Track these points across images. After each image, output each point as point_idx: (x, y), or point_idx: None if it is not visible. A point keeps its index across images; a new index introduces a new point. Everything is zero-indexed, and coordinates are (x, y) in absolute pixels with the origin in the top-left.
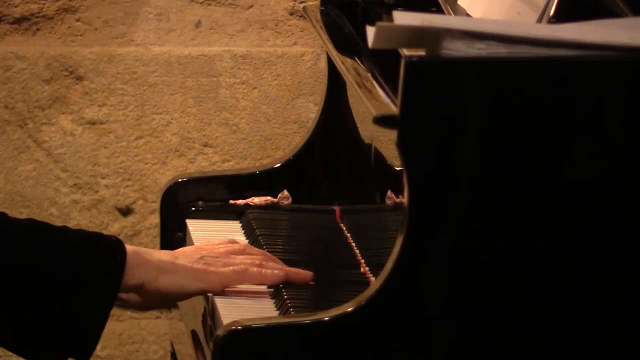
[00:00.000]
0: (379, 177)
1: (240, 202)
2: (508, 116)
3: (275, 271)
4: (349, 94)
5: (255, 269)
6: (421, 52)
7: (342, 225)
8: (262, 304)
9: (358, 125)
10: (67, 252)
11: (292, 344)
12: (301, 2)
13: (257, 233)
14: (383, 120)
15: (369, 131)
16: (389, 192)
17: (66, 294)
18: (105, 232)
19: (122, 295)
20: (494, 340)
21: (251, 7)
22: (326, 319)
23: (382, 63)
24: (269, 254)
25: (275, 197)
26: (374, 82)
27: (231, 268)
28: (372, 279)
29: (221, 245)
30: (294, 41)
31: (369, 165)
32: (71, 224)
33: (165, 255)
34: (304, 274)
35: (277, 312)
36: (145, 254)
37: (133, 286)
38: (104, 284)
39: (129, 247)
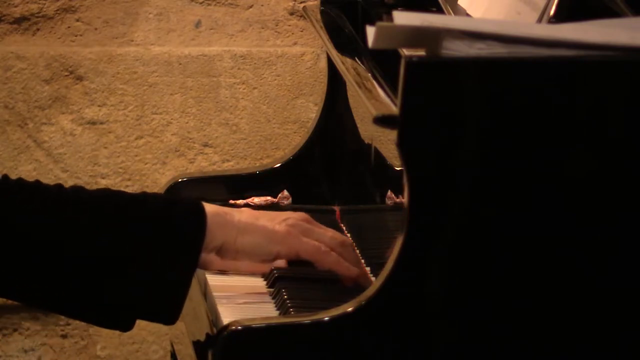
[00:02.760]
0: (379, 177)
1: (240, 202)
2: (508, 116)
3: (352, 267)
4: (349, 94)
5: (335, 254)
6: (421, 52)
7: (342, 225)
8: (262, 304)
9: (358, 125)
10: (148, 220)
11: (292, 344)
12: (301, 2)
13: None
14: (383, 120)
15: (369, 131)
16: (389, 192)
17: (149, 259)
18: None
19: (204, 256)
20: (494, 340)
21: (251, 7)
22: (326, 319)
23: (382, 63)
24: (340, 236)
25: (275, 197)
26: (374, 82)
27: (314, 243)
28: (372, 279)
29: (299, 214)
30: (294, 41)
31: (369, 165)
32: None
33: (246, 215)
34: (368, 281)
35: (277, 312)
36: (226, 214)
37: (214, 247)
38: (186, 247)
39: (209, 208)
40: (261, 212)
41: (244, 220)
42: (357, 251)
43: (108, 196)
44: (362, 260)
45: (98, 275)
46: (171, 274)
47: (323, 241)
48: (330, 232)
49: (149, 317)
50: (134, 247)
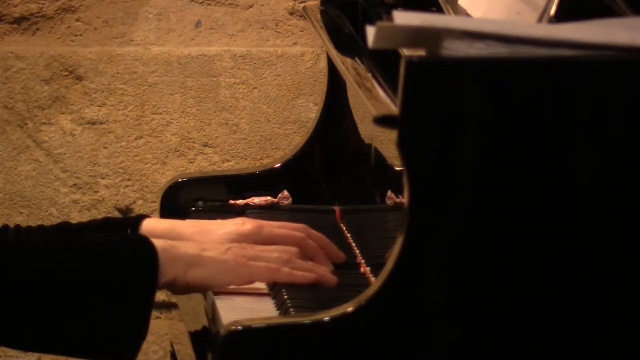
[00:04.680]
0: (379, 177)
1: (240, 202)
2: (508, 116)
3: (307, 274)
4: (349, 94)
5: (286, 269)
6: (421, 52)
7: (342, 225)
8: (262, 304)
9: (358, 125)
10: (103, 264)
11: (292, 344)
12: (301, 2)
13: None
14: (383, 120)
15: (369, 131)
16: (389, 192)
17: (106, 303)
18: None
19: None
20: (494, 340)
21: (251, 7)
22: (326, 319)
23: (382, 63)
24: (328, 242)
25: (275, 197)
26: (374, 82)
27: (263, 264)
28: (372, 279)
29: (248, 226)
30: (294, 41)
31: (369, 165)
32: None
33: (192, 248)
34: (330, 279)
35: (277, 312)
36: (173, 248)
37: (165, 283)
38: (142, 288)
39: (157, 243)
40: (205, 240)
41: (190, 253)
42: (357, 251)
43: (61, 241)
44: (362, 261)
45: (57, 316)
46: (127, 316)
47: (270, 260)
48: (273, 247)
49: (109, 354)
50: (89, 288)
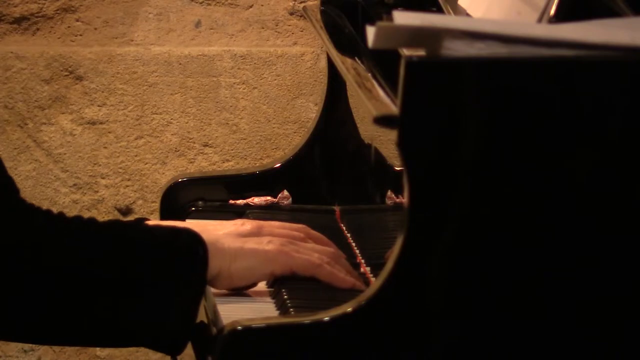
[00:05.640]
0: (379, 177)
1: (240, 202)
2: (508, 116)
3: (347, 278)
4: (349, 94)
5: (329, 268)
6: (421, 52)
7: (342, 225)
8: (262, 304)
9: (358, 125)
10: (155, 254)
11: (292, 344)
12: (301, 2)
13: None
14: (383, 120)
15: (369, 131)
16: (389, 192)
17: (158, 294)
18: None
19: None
20: (494, 340)
21: (251, 7)
22: (326, 319)
23: (382, 63)
24: (327, 242)
25: (275, 197)
26: (374, 82)
27: (307, 257)
28: (372, 279)
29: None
30: (294, 41)
31: (369, 165)
32: None
33: (232, 241)
34: (362, 287)
35: (277, 312)
36: (217, 242)
37: (211, 277)
38: (193, 279)
39: (204, 237)
40: (241, 233)
41: (233, 247)
42: (357, 251)
43: (116, 231)
44: (362, 261)
45: (108, 313)
46: (178, 307)
47: (313, 255)
48: (318, 247)
49: (158, 346)
50: (140, 278)
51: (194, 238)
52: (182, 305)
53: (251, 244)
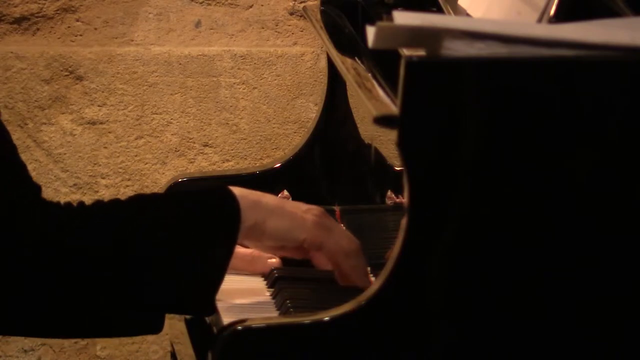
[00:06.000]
0: (379, 177)
1: None
2: (508, 116)
3: (365, 277)
4: (349, 94)
5: (353, 262)
6: (421, 52)
7: (342, 225)
8: (262, 304)
9: (358, 125)
10: (186, 212)
11: (292, 344)
12: (301, 2)
13: None
14: (383, 120)
15: (369, 131)
16: (389, 192)
17: (191, 246)
18: None
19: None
20: (494, 340)
21: (251, 7)
22: (326, 319)
23: (382, 63)
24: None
25: None
26: (374, 82)
27: (338, 240)
28: (372, 279)
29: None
30: (294, 41)
31: (369, 165)
32: None
33: (273, 199)
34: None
35: (277, 312)
36: (252, 194)
37: (246, 228)
38: (225, 231)
39: (237, 191)
40: (283, 200)
41: (272, 204)
42: None
43: (146, 199)
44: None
45: (143, 267)
46: (212, 258)
47: (342, 244)
48: (350, 235)
49: (189, 306)
50: (173, 237)
51: (226, 192)
52: (215, 256)
53: (291, 207)
